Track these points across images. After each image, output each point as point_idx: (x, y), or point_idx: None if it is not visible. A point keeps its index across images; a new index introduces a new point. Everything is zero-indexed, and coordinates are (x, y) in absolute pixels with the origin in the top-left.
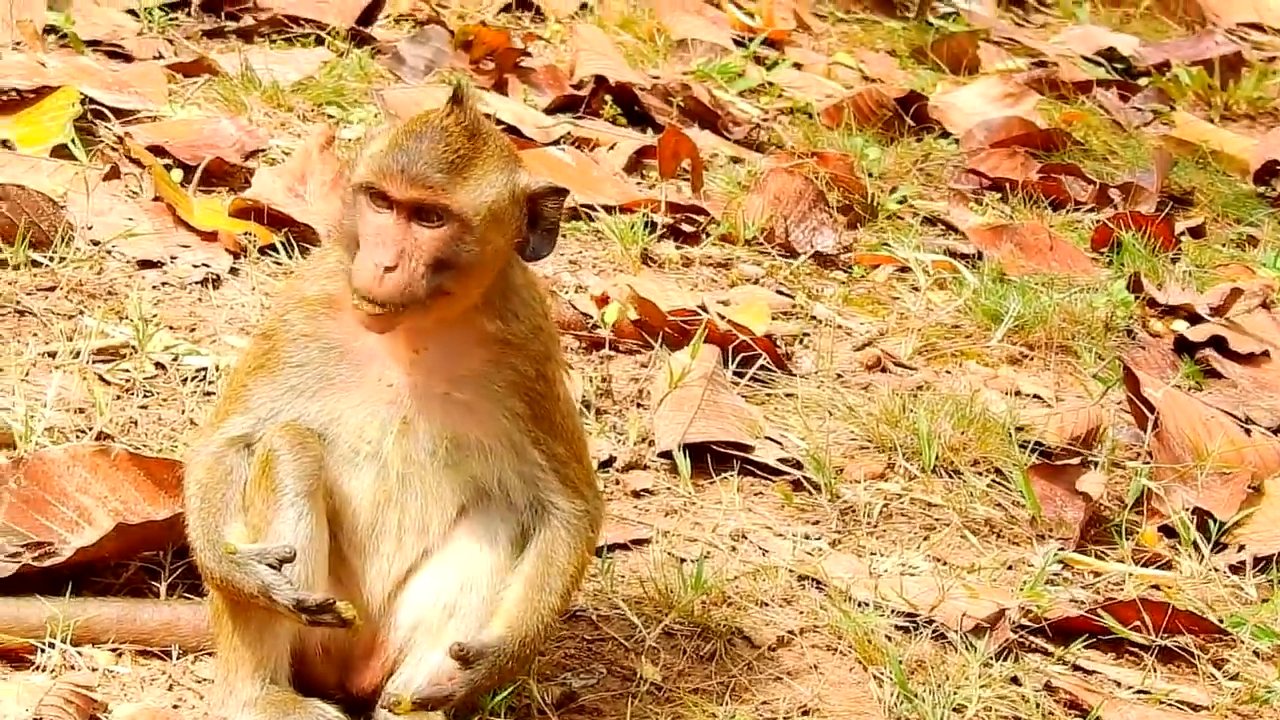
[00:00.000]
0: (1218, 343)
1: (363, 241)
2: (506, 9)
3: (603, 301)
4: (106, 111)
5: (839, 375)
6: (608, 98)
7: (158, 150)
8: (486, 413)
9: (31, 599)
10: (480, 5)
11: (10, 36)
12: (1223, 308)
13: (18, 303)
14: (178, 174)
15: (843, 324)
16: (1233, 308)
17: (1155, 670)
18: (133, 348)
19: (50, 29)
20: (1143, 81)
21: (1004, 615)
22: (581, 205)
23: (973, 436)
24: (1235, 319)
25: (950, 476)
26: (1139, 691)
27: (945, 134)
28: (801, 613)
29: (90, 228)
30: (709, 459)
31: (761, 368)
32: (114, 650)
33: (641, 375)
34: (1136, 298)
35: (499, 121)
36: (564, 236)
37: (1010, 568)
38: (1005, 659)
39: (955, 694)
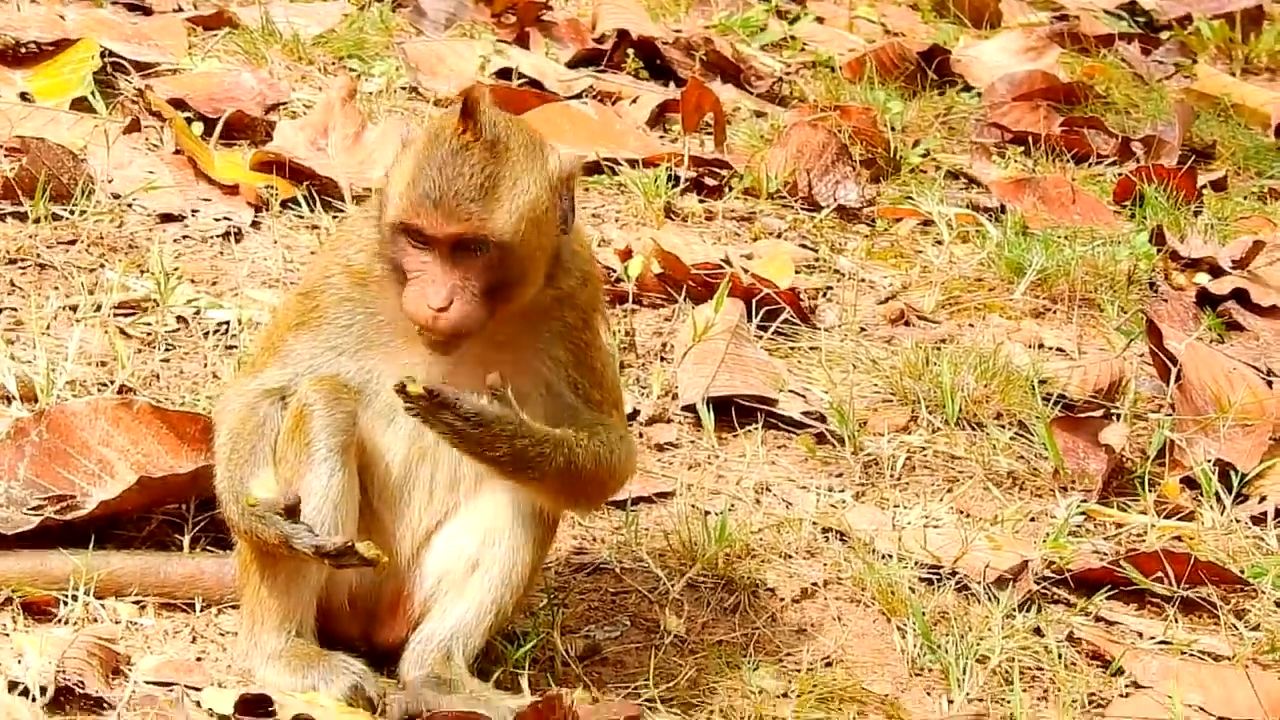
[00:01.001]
0: (1240, 295)
1: (410, 278)
2: None
3: (626, 255)
4: (126, 64)
5: (862, 328)
6: (630, 51)
7: (178, 103)
8: (528, 363)
9: (54, 552)
10: None
11: None
12: (1244, 260)
13: (39, 256)
14: (198, 127)
15: (866, 277)
16: (1254, 260)
17: (1177, 621)
18: (154, 301)
19: None
20: (1164, 35)
21: (1027, 567)
22: (604, 159)
23: (995, 389)
24: (1257, 271)
25: (973, 429)
26: (1161, 642)
27: (967, 88)
28: (825, 565)
29: (111, 181)
30: (733, 412)
31: (785, 321)
32: (137, 603)
33: (665, 329)
34: (1159, 250)
35: (521, 75)
36: (586, 190)
37: (1033, 519)
38: (1028, 610)
39: (978, 645)
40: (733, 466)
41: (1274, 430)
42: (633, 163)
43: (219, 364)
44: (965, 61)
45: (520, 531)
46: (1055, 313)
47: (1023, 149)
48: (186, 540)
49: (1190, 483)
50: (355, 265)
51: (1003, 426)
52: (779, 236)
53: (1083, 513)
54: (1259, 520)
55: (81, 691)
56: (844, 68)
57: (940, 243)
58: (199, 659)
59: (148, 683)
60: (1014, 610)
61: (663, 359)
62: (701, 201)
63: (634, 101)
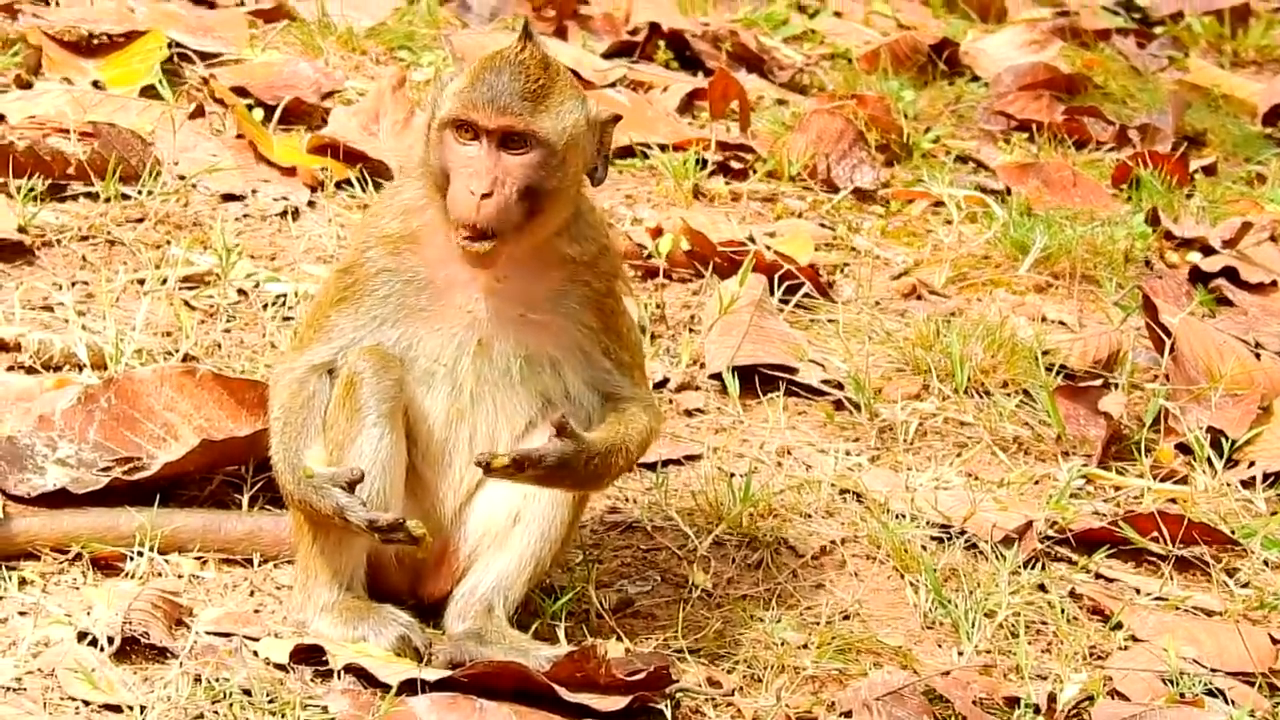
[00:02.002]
0: (1229, 273)
1: (454, 175)
2: None
3: (657, 233)
4: (192, 54)
5: (877, 302)
6: (661, 43)
7: (240, 91)
8: (560, 328)
9: (121, 510)
10: None
11: None
12: (1234, 240)
13: (108, 233)
14: (259, 113)
15: (880, 255)
16: (1243, 240)
17: (1172, 578)
18: (216, 275)
19: None
20: (1158, 30)
21: (1031, 527)
22: (637, 143)
23: (1002, 360)
24: (1245, 251)
25: (981, 397)
26: (1157, 598)
27: (975, 78)
28: (842, 524)
29: (176, 163)
30: (756, 380)
31: (805, 295)
32: (198, 558)
33: (693, 302)
34: (1154, 231)
35: None
36: (619, 173)
37: (1037, 482)
38: (1032, 568)
39: (986, 600)
40: (756, 431)
41: (1262, 399)
42: (663, 147)
43: (276, 334)
44: (973, 54)
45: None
46: (1057, 289)
47: (1027, 136)
48: (245, 500)
49: (1184, 448)
50: (389, 232)
51: (1008, 395)
52: (799, 216)
53: (1083, 476)
54: (1248, 484)
55: (146, 641)
56: (860, 59)
57: (950, 223)
58: (256, 611)
59: (208, 633)
60: (1019, 568)
61: (691, 330)
62: (727, 184)
63: (665, 90)
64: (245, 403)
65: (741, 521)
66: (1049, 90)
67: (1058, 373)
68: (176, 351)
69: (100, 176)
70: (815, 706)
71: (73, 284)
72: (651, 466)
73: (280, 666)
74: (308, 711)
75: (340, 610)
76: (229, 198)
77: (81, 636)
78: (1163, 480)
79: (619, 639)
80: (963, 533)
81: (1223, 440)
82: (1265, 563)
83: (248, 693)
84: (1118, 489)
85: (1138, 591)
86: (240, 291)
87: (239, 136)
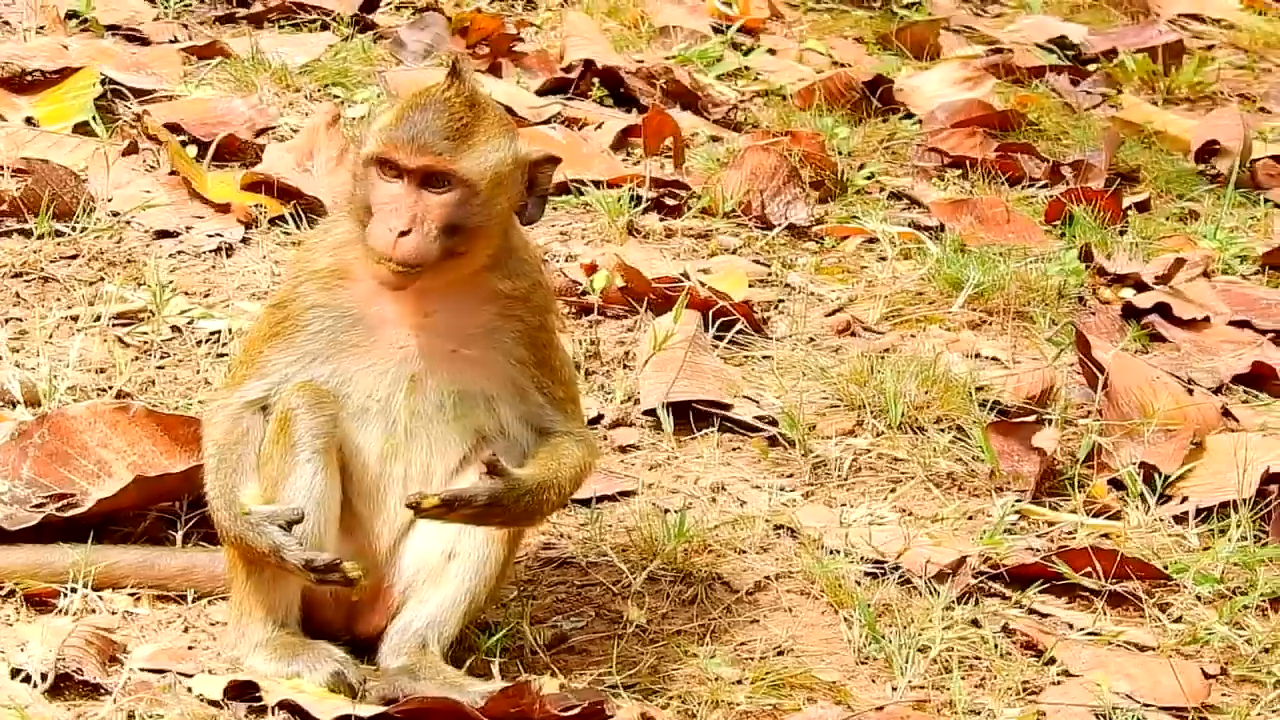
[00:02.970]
0: (1162, 309)
1: (376, 210)
2: None
3: (591, 270)
4: (125, 91)
5: (811, 339)
6: (595, 80)
7: (174, 127)
8: (493, 364)
9: (55, 546)
10: None
11: (35, 21)
12: (1166, 276)
13: (42, 270)
14: (192, 150)
15: (815, 291)
16: (1176, 277)
17: (1105, 613)
18: (150, 312)
19: (72, 14)
20: (1091, 67)
21: (965, 562)
22: (571, 180)
23: (936, 396)
24: (1178, 287)
25: (915, 433)
26: (1090, 633)
27: (909, 115)
28: (777, 559)
29: (110, 200)
30: (690, 416)
31: (739, 331)
32: (133, 594)
33: (628, 338)
34: (1087, 267)
35: None
36: (555, 209)
37: (971, 518)
38: (966, 603)
39: (920, 635)
40: (690, 467)
41: (1195, 435)
42: (598, 184)
43: (211, 371)
44: (907, 91)
45: None
46: (991, 325)
47: (960, 172)
48: (179, 536)
49: (1117, 484)
50: (321, 268)
51: (942, 431)
52: (734, 253)
53: (1017, 512)
54: (1181, 519)
55: (80, 678)
56: (794, 96)
57: (884, 259)
58: (190, 647)
59: (142, 670)
60: (953, 603)
61: (625, 366)
62: (662, 220)
63: (599, 127)
64: (179, 439)
65: (676, 557)
66: (983, 127)
67: (991, 409)
68: (110, 388)
69: (34, 213)
70: None
71: (6, 320)
72: (586, 502)
73: (214, 703)
74: None
75: (274, 646)
76: (163, 234)
77: (15, 673)
78: (1096, 516)
79: (554, 675)
80: (896, 568)
81: (1155, 476)
82: (1198, 598)
83: None
84: (1051, 524)
85: (1071, 626)
86: (174, 328)
87: (173, 173)
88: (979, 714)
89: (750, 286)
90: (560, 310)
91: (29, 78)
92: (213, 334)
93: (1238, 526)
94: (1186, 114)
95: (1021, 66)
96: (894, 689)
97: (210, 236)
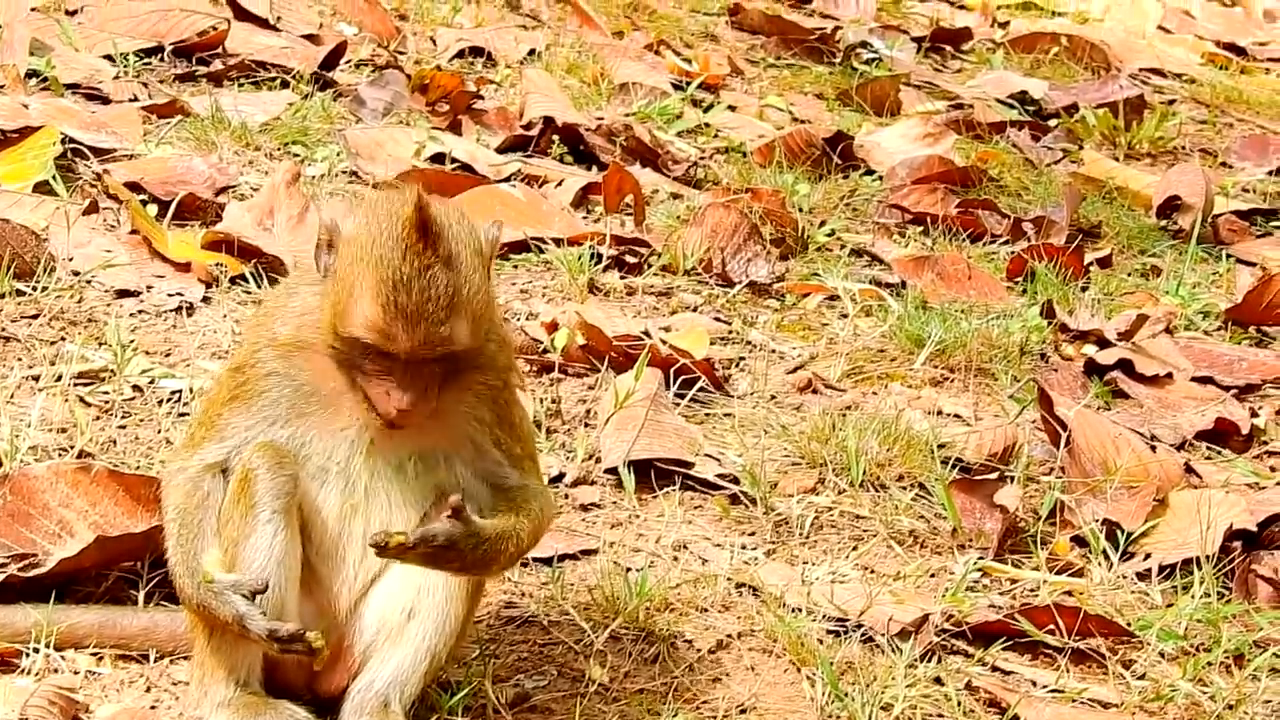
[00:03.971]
0: (1125, 365)
1: (370, 381)
2: (460, 55)
3: (552, 328)
4: (86, 150)
5: (773, 396)
6: (555, 138)
7: (134, 186)
8: (455, 425)
9: (17, 606)
10: (435, 51)
11: None
12: (1129, 333)
13: (2, 329)
14: (153, 209)
15: (776, 348)
16: (1138, 333)
17: (1068, 670)
18: (111, 371)
19: (32, 73)
20: (1052, 122)
21: (928, 620)
22: (532, 238)
23: (898, 453)
24: (1140, 343)
25: (877, 490)
26: (1053, 690)
27: (870, 171)
28: (739, 618)
29: (71, 259)
30: (652, 475)
31: (701, 389)
32: (95, 654)
33: (589, 397)
34: (1049, 324)
35: (454, 160)
36: (515, 267)
37: (933, 575)
38: (929, 660)
39: (883, 693)
40: (652, 526)
41: (1157, 491)
42: (558, 241)
43: (172, 430)
44: (868, 147)
45: (454, 582)
46: (953, 382)
47: (922, 229)
48: (141, 595)
49: (1080, 541)
50: (281, 338)
51: (904, 488)
52: (695, 310)
53: (980, 569)
54: (1144, 576)
55: None
56: (755, 153)
57: (845, 316)
58: (153, 707)
59: None
60: (916, 660)
61: (586, 425)
62: (623, 278)
63: (559, 184)
64: (141, 499)
65: (638, 616)
66: (944, 183)
67: (953, 466)
68: (72, 448)
69: None
70: None
71: None
72: (548, 561)
73: None
74: None
75: (237, 706)
76: (124, 294)
77: None
78: (1059, 573)
79: None
80: (859, 626)
81: (1118, 532)
82: (1161, 654)
83: None
84: (1014, 582)
85: (1034, 684)
86: (135, 388)
87: (133, 232)
88: None
89: (711, 344)
90: (520, 368)
91: None
92: (174, 393)
93: (1201, 583)
94: (1148, 169)
95: (982, 122)
96: None
97: (171, 296)
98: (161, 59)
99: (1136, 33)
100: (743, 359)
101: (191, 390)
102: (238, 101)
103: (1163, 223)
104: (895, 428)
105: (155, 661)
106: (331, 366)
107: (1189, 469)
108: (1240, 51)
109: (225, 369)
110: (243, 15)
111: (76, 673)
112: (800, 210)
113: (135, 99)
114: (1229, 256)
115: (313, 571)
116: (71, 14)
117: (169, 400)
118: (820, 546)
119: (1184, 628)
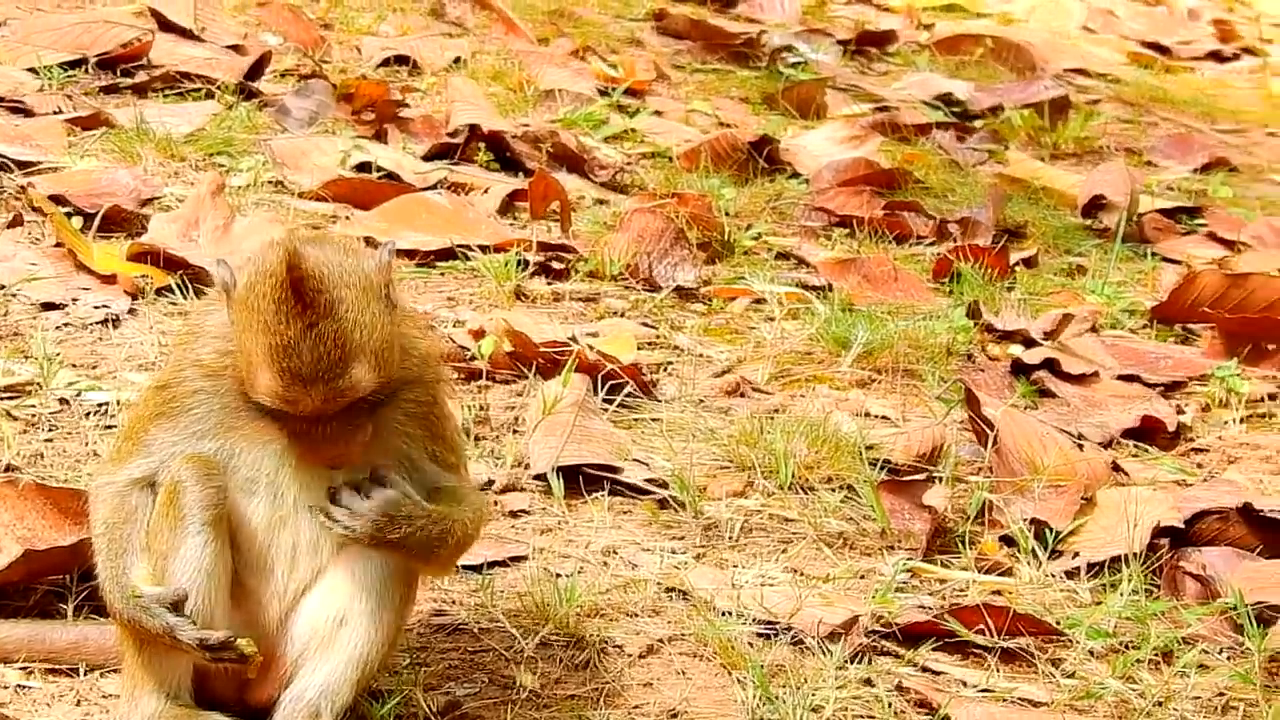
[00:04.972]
0: (1050, 365)
1: (291, 435)
2: (385, 64)
3: (479, 335)
4: (9, 163)
5: (700, 400)
6: (480, 145)
7: (58, 199)
8: (385, 440)
9: None
10: (360, 60)
11: None
12: (1054, 332)
13: None
14: (77, 221)
15: (703, 352)
16: (1064, 332)
17: (998, 670)
18: (37, 385)
19: None
20: (977, 123)
21: (857, 621)
22: (458, 245)
23: (825, 455)
24: (1066, 342)
25: (805, 493)
26: (983, 690)
27: (795, 174)
28: (668, 622)
29: None
30: (580, 480)
31: (628, 394)
32: (24, 668)
33: (516, 403)
34: (975, 324)
35: (379, 169)
36: (441, 275)
37: (862, 577)
38: (859, 662)
39: (813, 695)
40: (581, 531)
41: (1084, 490)
42: (484, 248)
43: (99, 443)
44: (793, 150)
45: (384, 590)
46: (879, 383)
47: (847, 231)
48: (70, 609)
49: (1008, 540)
50: (205, 361)
51: (832, 490)
52: (621, 316)
53: (908, 570)
54: (1072, 574)
55: None
56: (680, 157)
57: (771, 319)
58: None
59: None
60: (846, 662)
61: (514, 431)
62: (549, 284)
63: (485, 191)
64: (68, 512)
65: (568, 622)
66: (869, 185)
67: (881, 467)
68: None
69: None
70: None
71: None
72: (477, 568)
73: None
74: None
75: (167, 719)
76: (49, 306)
77: None
78: (987, 572)
79: None
80: (788, 629)
81: (1046, 531)
82: (1090, 653)
83: None
84: (943, 582)
85: (964, 684)
86: (62, 401)
87: (58, 245)
88: None
89: (638, 349)
90: (449, 377)
91: None
92: (100, 406)
93: (1129, 581)
94: (1073, 169)
95: (907, 124)
96: None
97: (96, 308)
98: (86, 71)
99: (1060, 33)
100: (670, 363)
101: (118, 403)
102: (162, 113)
103: (1088, 222)
104: (823, 430)
105: (85, 675)
106: None
107: (1116, 467)
108: (1164, 50)
109: (151, 386)
110: (167, 26)
111: (6, 687)
112: (726, 214)
113: (59, 111)
114: (1154, 255)
115: (241, 584)
116: None
117: (95, 413)
118: (749, 549)
119: (1112, 625)
